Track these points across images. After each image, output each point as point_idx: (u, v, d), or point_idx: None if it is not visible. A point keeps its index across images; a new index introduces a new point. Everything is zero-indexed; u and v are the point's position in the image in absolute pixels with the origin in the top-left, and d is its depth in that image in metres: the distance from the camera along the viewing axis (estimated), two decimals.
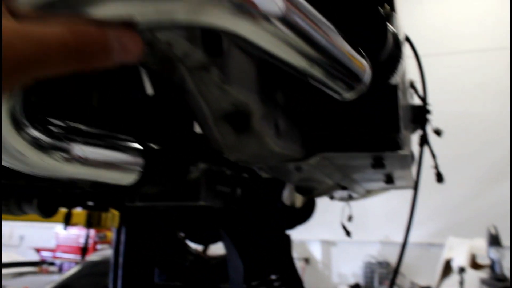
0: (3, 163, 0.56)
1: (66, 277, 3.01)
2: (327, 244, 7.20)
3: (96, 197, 1.84)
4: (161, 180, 0.92)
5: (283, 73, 0.80)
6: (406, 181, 1.47)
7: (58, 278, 3.09)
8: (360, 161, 1.03)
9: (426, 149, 1.73)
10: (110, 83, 0.89)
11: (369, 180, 1.52)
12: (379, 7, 0.75)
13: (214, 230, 1.99)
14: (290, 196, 1.69)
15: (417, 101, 1.82)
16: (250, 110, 0.76)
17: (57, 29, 0.30)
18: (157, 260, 2.11)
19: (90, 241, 6.22)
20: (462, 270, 4.29)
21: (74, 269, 3.13)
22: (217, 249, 2.07)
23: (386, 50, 0.64)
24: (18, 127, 0.54)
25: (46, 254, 7.41)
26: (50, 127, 0.62)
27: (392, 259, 6.50)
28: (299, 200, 1.77)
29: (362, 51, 0.59)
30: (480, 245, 4.53)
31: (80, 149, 0.65)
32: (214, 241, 2.01)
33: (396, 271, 1.70)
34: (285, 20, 0.42)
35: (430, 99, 1.73)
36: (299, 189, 1.71)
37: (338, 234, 2.47)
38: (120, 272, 2.09)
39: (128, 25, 0.34)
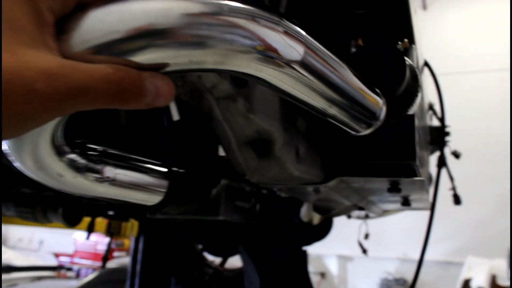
0: (41, 181, 0.60)
1: (84, 282, 3.07)
2: (343, 259, 7.14)
3: (118, 207, 1.89)
4: (184, 202, 0.95)
5: None
6: (423, 203, 1.48)
7: (75, 284, 3.13)
8: (377, 185, 1.06)
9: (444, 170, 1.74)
10: None
11: (386, 201, 1.53)
12: (399, 42, 0.78)
13: (232, 243, 2.02)
14: (308, 213, 1.71)
15: (435, 122, 1.83)
16: (272, 137, 0.79)
17: (102, 67, 0.34)
18: (174, 270, 2.14)
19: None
20: None
21: (91, 275, 3.18)
22: (234, 261, 2.10)
23: (403, 85, 0.67)
24: (58, 150, 0.58)
25: (64, 259, 7.48)
26: (86, 150, 0.66)
27: (409, 276, 6.41)
28: (316, 218, 1.79)
29: (376, 89, 0.62)
30: (500, 265, 4.44)
31: (111, 171, 0.69)
32: (231, 254, 2.03)
33: None
34: (304, 64, 0.44)
35: (452, 116, 1.74)
36: (317, 208, 1.72)
37: (355, 249, 2.47)
38: (137, 281, 2.13)
39: (161, 68, 0.37)
